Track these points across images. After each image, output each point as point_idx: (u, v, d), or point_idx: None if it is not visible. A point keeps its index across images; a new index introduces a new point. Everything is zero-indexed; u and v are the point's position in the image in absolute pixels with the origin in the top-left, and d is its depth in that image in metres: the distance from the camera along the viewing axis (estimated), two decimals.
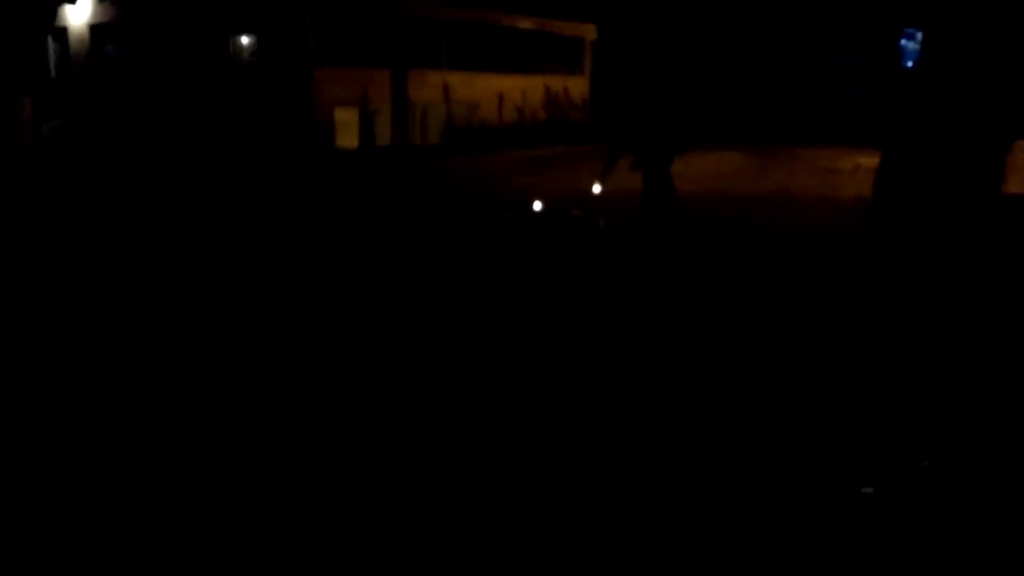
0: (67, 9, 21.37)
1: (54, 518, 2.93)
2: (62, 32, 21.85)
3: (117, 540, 2.79)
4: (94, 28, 21.11)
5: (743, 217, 9.19)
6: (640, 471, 3.29)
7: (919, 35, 8.19)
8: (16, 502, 3.04)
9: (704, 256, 7.27)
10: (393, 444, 3.51)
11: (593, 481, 3.19)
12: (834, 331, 5.12)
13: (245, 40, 18.79)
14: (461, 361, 4.55)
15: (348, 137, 18.42)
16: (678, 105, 9.48)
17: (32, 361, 4.60)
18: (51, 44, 22.24)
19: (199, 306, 5.73)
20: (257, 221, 9.14)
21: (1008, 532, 2.85)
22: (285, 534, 2.81)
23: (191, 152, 17.00)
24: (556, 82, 25.31)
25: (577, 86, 26.20)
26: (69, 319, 5.43)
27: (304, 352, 4.75)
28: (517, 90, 23.77)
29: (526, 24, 24.06)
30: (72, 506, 3.00)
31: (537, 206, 9.48)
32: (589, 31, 26.09)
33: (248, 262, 7.15)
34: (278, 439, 3.56)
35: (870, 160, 8.39)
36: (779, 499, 3.06)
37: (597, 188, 9.76)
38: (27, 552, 2.72)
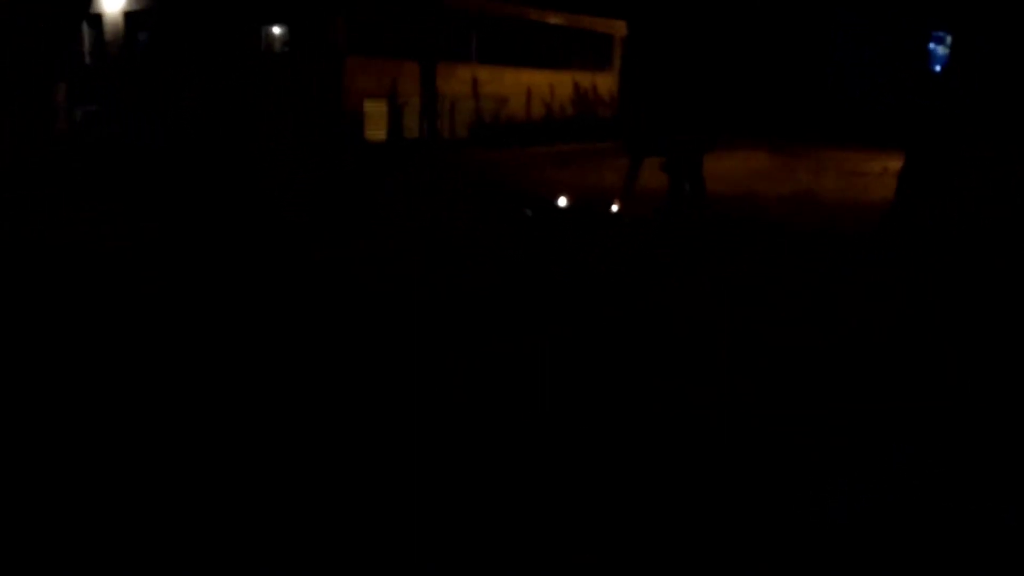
0: None
1: (54, 518, 2.93)
2: (97, 19, 22.09)
3: (118, 540, 2.79)
4: (128, 15, 21.32)
5: (763, 219, 9.09)
6: (640, 471, 3.29)
7: (948, 39, 8.16)
8: (16, 502, 3.05)
9: (705, 255, 7.27)
10: (393, 444, 3.51)
11: (593, 481, 3.19)
12: (834, 331, 5.12)
13: (277, 30, 18.82)
14: (461, 361, 4.55)
15: (377, 129, 18.46)
16: (707, 102, 9.35)
17: (32, 361, 4.60)
18: (86, 30, 22.46)
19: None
20: (286, 218, 9.17)
21: (1008, 532, 2.84)
22: (285, 534, 2.81)
23: (218, 144, 16.99)
24: (585, 78, 25.22)
25: (606, 82, 26.12)
26: (77, 317, 5.44)
27: (304, 352, 4.75)
28: (545, 85, 23.71)
29: (556, 19, 24.01)
30: (72, 506, 3.00)
31: (562, 202, 9.36)
32: (619, 27, 26.02)
33: (278, 265, 7.11)
34: (278, 439, 3.56)
35: (899, 164, 8.37)
36: (779, 499, 3.06)
37: (616, 207, 9.23)
38: (27, 552, 2.73)
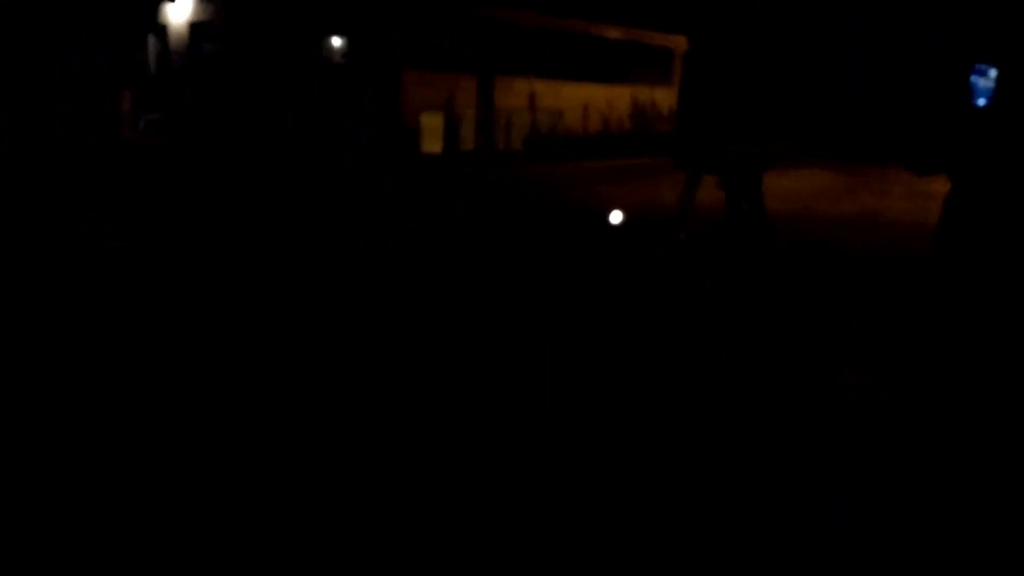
0: (168, 7, 22.00)
1: (54, 518, 2.93)
2: (162, 29, 22.46)
3: (118, 540, 2.79)
4: (194, 26, 21.63)
5: (823, 242, 8.75)
6: (640, 471, 3.29)
7: (991, 72, 8.19)
8: (15, 502, 3.05)
9: (705, 255, 7.27)
10: (393, 444, 3.51)
11: (593, 481, 3.19)
12: (834, 331, 5.12)
13: (336, 42, 19.06)
14: (461, 361, 4.55)
15: (433, 142, 18.76)
16: (766, 118, 9.24)
17: (31, 361, 4.60)
18: (151, 41, 22.79)
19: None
20: (289, 218, 9.17)
21: (1008, 532, 2.85)
22: (285, 534, 2.81)
23: (278, 154, 17.09)
24: (643, 92, 25.13)
25: (665, 97, 26.01)
26: (77, 317, 5.43)
27: (304, 352, 4.75)
28: (603, 99, 23.70)
29: (614, 34, 24.03)
30: (72, 506, 3.00)
31: (616, 218, 9.25)
32: (679, 42, 25.98)
33: (278, 265, 7.10)
34: (278, 440, 3.56)
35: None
36: (779, 499, 3.06)
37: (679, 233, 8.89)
38: (27, 552, 2.73)
